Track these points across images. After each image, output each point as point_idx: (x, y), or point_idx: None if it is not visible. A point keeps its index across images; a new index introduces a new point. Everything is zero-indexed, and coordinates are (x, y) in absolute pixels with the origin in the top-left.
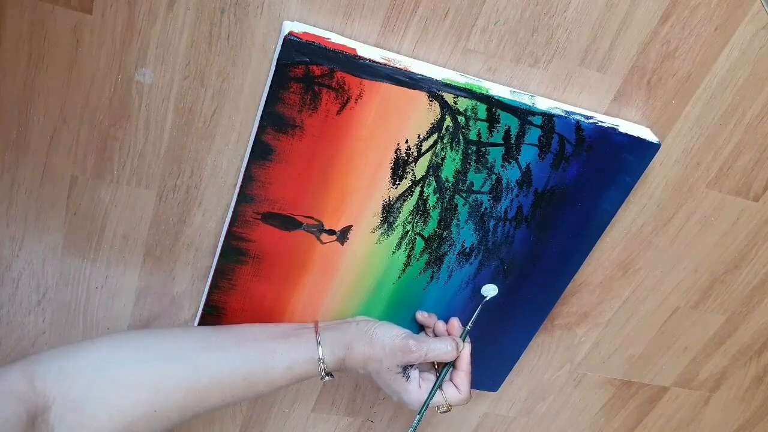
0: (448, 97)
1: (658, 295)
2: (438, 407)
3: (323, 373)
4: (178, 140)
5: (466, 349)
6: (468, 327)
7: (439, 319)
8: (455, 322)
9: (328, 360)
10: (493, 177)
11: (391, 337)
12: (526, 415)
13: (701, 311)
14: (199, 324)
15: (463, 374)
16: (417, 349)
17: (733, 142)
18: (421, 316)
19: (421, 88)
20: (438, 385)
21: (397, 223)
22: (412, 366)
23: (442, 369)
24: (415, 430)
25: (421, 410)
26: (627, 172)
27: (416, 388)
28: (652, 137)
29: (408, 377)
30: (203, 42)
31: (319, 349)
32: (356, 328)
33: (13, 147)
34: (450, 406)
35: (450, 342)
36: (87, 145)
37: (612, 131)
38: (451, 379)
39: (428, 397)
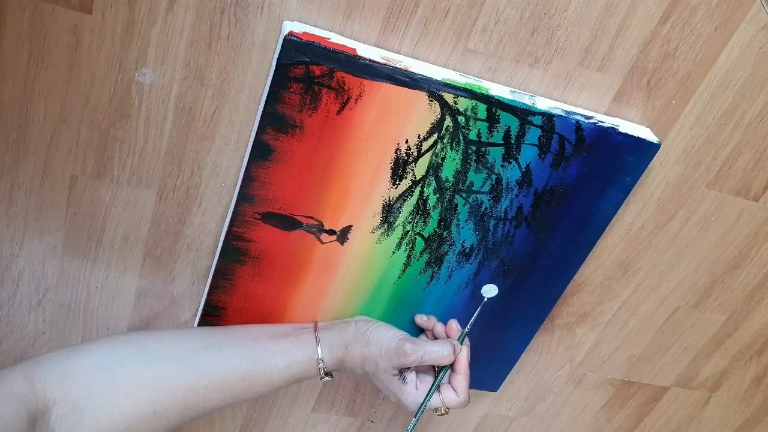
0: (448, 97)
1: (658, 295)
2: (436, 410)
3: (322, 373)
4: (178, 140)
5: (464, 353)
6: (466, 329)
7: (438, 319)
8: (454, 325)
9: (327, 360)
10: (493, 177)
11: (387, 339)
12: (526, 415)
13: (701, 311)
14: (199, 324)
15: (461, 378)
16: (413, 352)
17: (733, 142)
18: (420, 319)
19: (421, 88)
20: (434, 390)
21: (397, 223)
22: (408, 368)
23: (439, 372)
24: None
25: (417, 414)
26: (627, 172)
27: (413, 390)
28: (652, 137)
29: (404, 380)
30: (203, 42)
31: (318, 349)
32: (354, 328)
33: (13, 147)
34: (448, 409)
35: (447, 345)
36: (87, 145)
37: (612, 131)
38: (449, 382)
39: (424, 401)
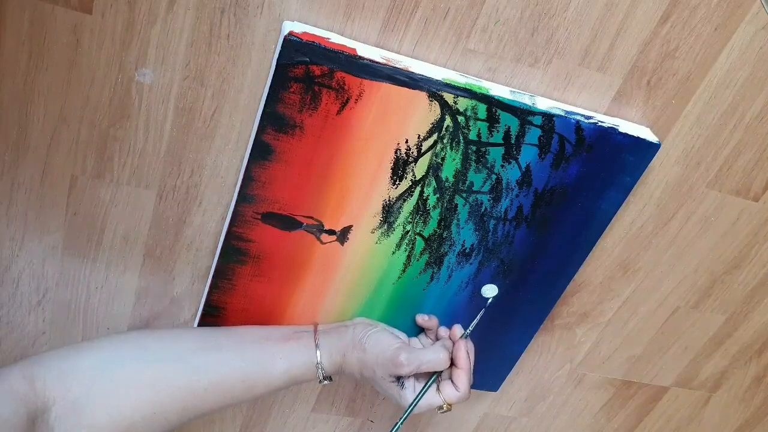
0: (448, 97)
1: (658, 295)
2: (438, 408)
3: (321, 377)
4: (178, 140)
5: (462, 346)
6: (468, 331)
7: (439, 320)
8: (457, 330)
9: (326, 364)
10: (493, 177)
11: (383, 348)
12: (526, 415)
13: (701, 311)
14: (199, 324)
15: (462, 372)
16: (408, 363)
17: (733, 142)
18: (422, 319)
19: (421, 88)
20: (423, 393)
21: (397, 223)
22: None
23: (430, 376)
24: None
25: (402, 418)
26: (627, 172)
27: (411, 394)
28: (652, 137)
29: (402, 386)
30: (203, 42)
31: (318, 353)
32: (352, 333)
33: (13, 147)
34: (450, 405)
35: (442, 351)
36: (87, 145)
37: (612, 131)
38: (450, 378)
39: (412, 405)
